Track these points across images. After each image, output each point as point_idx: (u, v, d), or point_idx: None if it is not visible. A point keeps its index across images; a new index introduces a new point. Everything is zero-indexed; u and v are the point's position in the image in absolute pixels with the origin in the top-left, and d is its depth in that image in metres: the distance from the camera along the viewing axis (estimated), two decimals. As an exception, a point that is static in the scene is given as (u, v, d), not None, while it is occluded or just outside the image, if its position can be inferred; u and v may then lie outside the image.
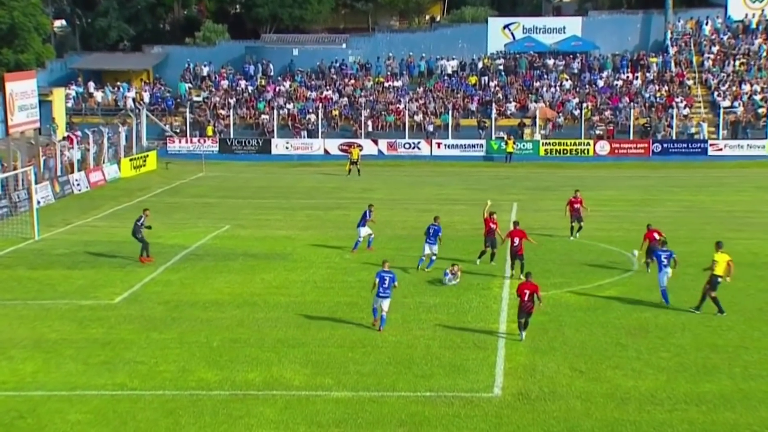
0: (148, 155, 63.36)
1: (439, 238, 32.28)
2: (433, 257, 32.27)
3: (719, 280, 26.75)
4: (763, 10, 77.04)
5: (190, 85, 75.79)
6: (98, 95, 74.50)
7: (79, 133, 60.02)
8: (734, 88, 69.89)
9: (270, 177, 59.15)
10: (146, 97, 73.67)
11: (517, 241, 31.01)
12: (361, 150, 61.96)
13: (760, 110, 67.01)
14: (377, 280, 25.40)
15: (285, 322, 26.32)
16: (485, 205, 34.26)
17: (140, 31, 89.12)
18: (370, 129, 69.25)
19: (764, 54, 73.36)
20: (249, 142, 68.95)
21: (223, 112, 71.60)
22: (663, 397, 20.68)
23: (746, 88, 69.63)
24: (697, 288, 29.35)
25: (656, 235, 31.36)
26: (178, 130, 70.64)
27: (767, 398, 20.56)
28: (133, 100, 72.98)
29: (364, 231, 35.18)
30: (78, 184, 52.86)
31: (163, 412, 20.03)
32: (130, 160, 60.78)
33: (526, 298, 24.52)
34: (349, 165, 58.78)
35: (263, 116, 71.03)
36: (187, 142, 69.02)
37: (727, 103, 68.10)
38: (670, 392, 20.93)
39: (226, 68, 77.34)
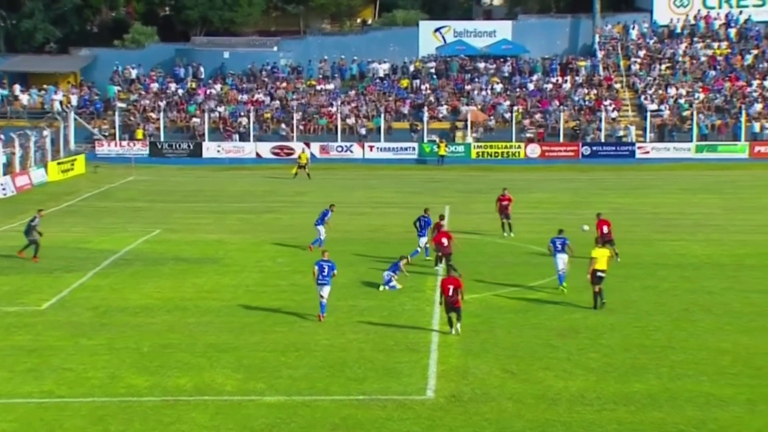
0: (76, 159, 62.46)
1: (430, 229, 33.61)
2: (423, 247, 33.82)
3: (599, 274, 27.55)
4: (687, 15, 78.62)
5: (119, 87, 74.83)
6: (24, 98, 73.13)
7: (2, 136, 58.92)
8: (660, 92, 71.17)
9: (201, 181, 58.69)
10: (74, 100, 72.52)
11: (446, 241, 31.49)
12: (306, 152, 61.36)
13: (685, 113, 68.30)
14: (316, 268, 26.65)
15: (216, 327, 26.13)
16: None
17: (67, 33, 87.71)
18: (302, 132, 69.08)
19: (689, 58, 74.83)
20: (180, 146, 68.29)
21: (153, 115, 70.83)
22: (592, 397, 20.95)
23: (672, 91, 70.96)
24: (624, 289, 29.87)
25: (605, 227, 32.74)
26: (107, 134, 69.71)
27: (693, 397, 20.94)
28: (60, 103, 71.77)
29: (323, 230, 35.74)
30: (3, 189, 51.91)
31: (92, 420, 19.74)
32: (58, 163, 59.87)
33: (450, 293, 24.97)
34: (297, 168, 58.54)
35: (194, 119, 70.42)
36: (116, 145, 68.15)
37: (653, 106, 69.32)
38: (599, 392, 21.21)
39: (156, 71, 76.54)
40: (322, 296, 26.60)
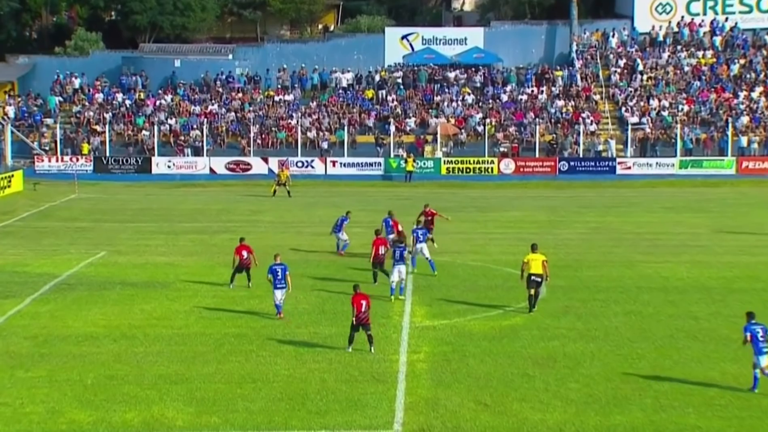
0: (13, 175, 61.92)
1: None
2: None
3: (534, 278, 29.93)
4: (669, 22, 79.53)
5: (60, 98, 74.43)
6: (-43, 109, 72.61)
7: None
8: (642, 104, 71.90)
9: (150, 198, 58.40)
10: (11, 111, 72.05)
11: (383, 250, 33.26)
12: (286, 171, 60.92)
13: (669, 126, 68.96)
14: (270, 275, 29.03)
15: (167, 357, 25.96)
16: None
17: (3, 39, 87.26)
18: (260, 146, 69.02)
19: (672, 68, 75.65)
20: (127, 161, 68.03)
21: (98, 128, 70.51)
22: (572, 430, 20.99)
23: (654, 103, 71.70)
24: (605, 315, 30.02)
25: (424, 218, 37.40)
26: (47, 148, 69.28)
27: (679, 430, 21.05)
28: (-3, 114, 71.33)
29: (345, 235, 38.55)
30: (-66, 208, 51.31)
31: (31, 459, 19.52)
32: (-7, 180, 59.37)
33: (363, 309, 25.79)
34: (275, 186, 58.39)
35: (143, 132, 70.20)
36: (57, 160, 67.81)
37: (635, 119, 70.00)
38: (579, 425, 21.27)
39: (101, 80, 76.29)
40: (277, 298, 29.08)
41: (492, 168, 67.39)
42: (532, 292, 30.05)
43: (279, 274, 28.97)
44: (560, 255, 38.42)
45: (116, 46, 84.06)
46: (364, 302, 25.89)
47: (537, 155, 68.26)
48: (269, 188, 58.63)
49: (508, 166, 67.41)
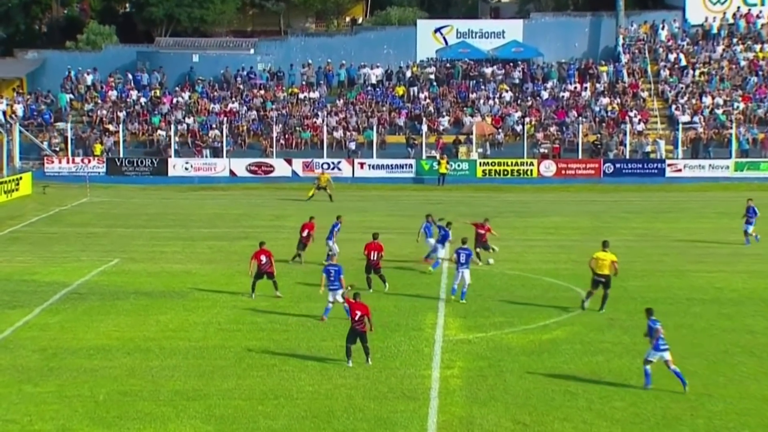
0: (21, 178, 62.44)
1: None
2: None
3: (598, 279, 31.30)
4: (724, 13, 79.07)
5: (71, 96, 74.95)
6: (-38, 107, 73.32)
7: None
8: (694, 101, 71.50)
9: (166, 202, 58.69)
10: (19, 109, 72.62)
11: (374, 255, 34.40)
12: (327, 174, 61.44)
13: (723, 126, 68.55)
14: (324, 275, 30.66)
15: (184, 371, 26.07)
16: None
17: (11, 33, 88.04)
18: (283, 147, 69.22)
19: (727, 62, 75.20)
20: (142, 162, 68.38)
21: (111, 127, 70.94)
22: (618, 451, 20.95)
23: (707, 100, 71.28)
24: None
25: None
26: (57, 149, 69.77)
27: (734, 452, 20.96)
28: (3, 113, 71.89)
29: (335, 245, 38.46)
30: (-62, 212, 51.85)
31: (39, 479, 19.67)
32: (0, 183, 59.86)
33: (357, 318, 26.23)
34: (315, 189, 58.56)
35: (158, 132, 70.55)
36: (68, 162, 68.22)
37: (686, 117, 69.61)
38: (625, 446, 21.20)
39: (115, 76, 76.69)
40: (330, 302, 30.52)
41: (531, 170, 67.23)
42: (598, 291, 31.31)
43: (332, 275, 30.50)
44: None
45: (131, 40, 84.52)
46: (359, 312, 26.33)
47: (580, 157, 68.02)
48: (307, 192, 58.59)
49: (548, 168, 67.23)
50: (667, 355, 24.52)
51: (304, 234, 38.84)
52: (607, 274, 31.09)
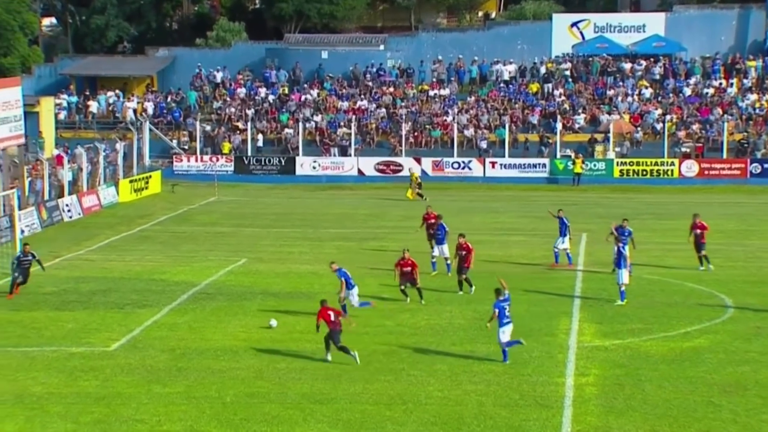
0: (151, 176, 63.87)
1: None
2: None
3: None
4: None
5: (200, 93, 76.44)
6: (93, 106, 75.34)
7: (69, 150, 60.69)
8: None
9: (294, 202, 59.40)
10: (149, 108, 74.38)
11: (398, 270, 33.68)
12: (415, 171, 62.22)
13: None
14: (496, 311, 26.97)
15: (311, 374, 26.33)
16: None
17: (143, 31, 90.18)
18: (412, 146, 69.43)
19: None
20: (269, 161, 69.33)
21: (239, 125, 72.13)
22: (763, 467, 20.47)
23: None
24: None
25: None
26: (186, 147, 71.18)
27: None
28: (134, 111, 73.71)
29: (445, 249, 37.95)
30: (69, 210, 53.39)
31: (167, 480, 20.08)
32: (130, 181, 61.32)
33: (331, 319, 27.19)
34: (417, 189, 59.23)
35: (287, 130, 71.44)
36: (197, 160, 69.51)
37: (839, 115, 67.67)
38: (772, 462, 20.72)
39: (244, 74, 77.95)
40: (505, 338, 27.15)
41: (672, 170, 66.17)
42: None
43: (507, 309, 27.35)
44: (751, 269, 37.47)
45: (260, 37, 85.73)
46: (331, 313, 27.28)
47: (724, 156, 66.69)
48: (411, 195, 58.81)
49: (690, 168, 66.08)
50: None
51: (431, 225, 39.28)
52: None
